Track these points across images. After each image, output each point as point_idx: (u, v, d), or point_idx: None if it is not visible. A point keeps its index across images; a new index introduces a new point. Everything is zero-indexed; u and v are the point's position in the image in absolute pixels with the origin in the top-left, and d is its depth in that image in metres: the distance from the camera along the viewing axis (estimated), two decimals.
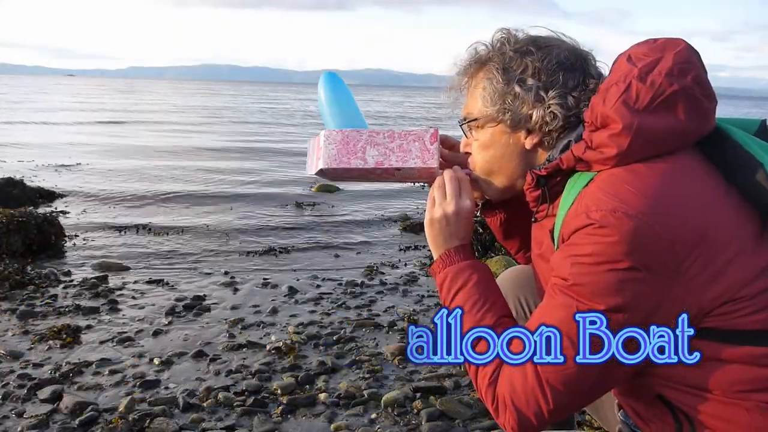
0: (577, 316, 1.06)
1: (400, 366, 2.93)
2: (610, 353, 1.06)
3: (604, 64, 1.28)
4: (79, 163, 10.44)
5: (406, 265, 4.93)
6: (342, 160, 1.46)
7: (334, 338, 3.23)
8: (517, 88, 1.23)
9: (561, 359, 1.08)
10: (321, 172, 1.50)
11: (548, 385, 1.09)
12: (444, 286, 1.32)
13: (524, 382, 1.11)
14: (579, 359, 1.07)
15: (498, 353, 1.17)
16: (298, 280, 4.39)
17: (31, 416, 2.37)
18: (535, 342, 1.11)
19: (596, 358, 1.07)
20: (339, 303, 3.87)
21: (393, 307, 3.83)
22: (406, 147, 1.45)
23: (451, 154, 1.49)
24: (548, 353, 1.09)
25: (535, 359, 1.10)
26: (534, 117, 1.22)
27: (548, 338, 1.09)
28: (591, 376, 1.09)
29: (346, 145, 1.46)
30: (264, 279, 4.37)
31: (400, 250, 5.45)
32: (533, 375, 1.10)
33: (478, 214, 1.56)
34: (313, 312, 3.70)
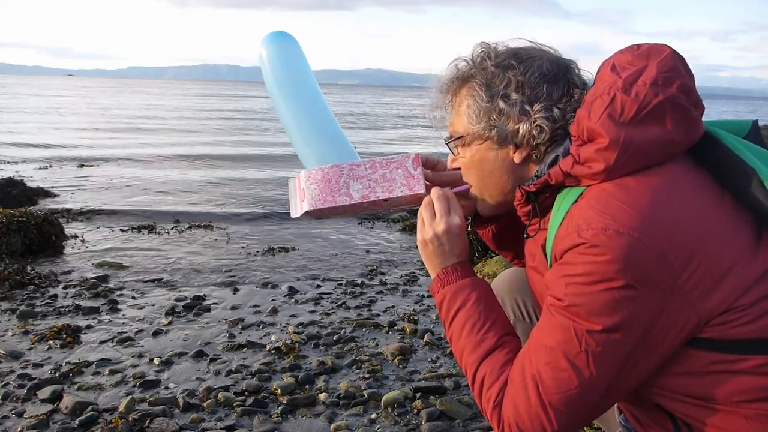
0: (575, 336, 1.05)
1: (400, 366, 2.93)
2: (611, 373, 1.05)
3: (589, 72, 1.26)
4: (80, 164, 10.45)
5: (406, 264, 4.93)
6: (327, 199, 1.42)
7: (334, 338, 3.23)
8: (502, 104, 1.21)
9: (562, 381, 1.07)
10: (307, 214, 1.46)
11: (551, 407, 1.08)
12: (443, 306, 1.30)
13: (528, 405, 1.09)
14: (579, 380, 1.06)
15: (500, 376, 1.16)
16: (298, 280, 4.39)
17: (31, 416, 2.37)
18: (536, 364, 1.10)
19: (597, 378, 1.05)
20: (339, 303, 3.87)
21: (393, 307, 3.82)
22: (390, 176, 1.42)
23: (436, 175, 1.47)
24: (549, 375, 1.08)
25: (537, 381, 1.09)
26: (521, 132, 1.20)
27: (548, 360, 1.08)
28: (593, 396, 1.07)
29: (328, 182, 1.42)
30: (264, 279, 4.37)
31: (400, 250, 5.45)
32: (536, 397, 1.09)
33: (468, 228, 1.55)
34: (313, 312, 3.69)
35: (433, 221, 1.33)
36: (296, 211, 1.50)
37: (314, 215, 1.48)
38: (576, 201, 1.11)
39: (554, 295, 1.09)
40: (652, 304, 1.02)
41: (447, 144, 1.36)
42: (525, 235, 1.31)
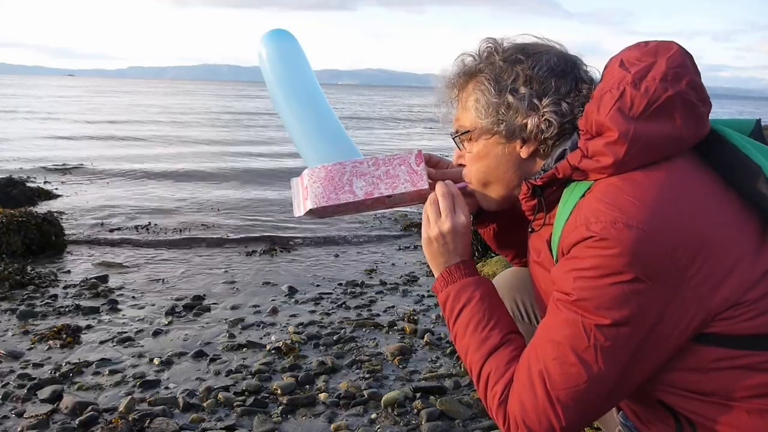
0: (584, 331, 1.05)
1: (400, 366, 2.93)
2: (620, 367, 1.05)
3: (595, 68, 1.26)
4: (80, 164, 10.45)
5: (406, 264, 4.93)
6: (330, 197, 1.42)
7: (334, 338, 3.23)
8: (510, 98, 1.21)
9: (570, 376, 1.06)
10: (311, 213, 1.46)
11: (559, 402, 1.07)
12: (447, 305, 1.30)
13: (534, 402, 1.09)
14: (588, 375, 1.05)
15: (505, 373, 1.16)
16: (298, 280, 4.39)
17: (31, 416, 2.37)
18: (543, 360, 1.09)
19: (606, 373, 1.05)
20: (339, 303, 3.87)
21: (393, 307, 3.82)
22: (393, 172, 1.42)
23: (439, 172, 1.47)
24: (556, 371, 1.07)
25: (545, 377, 1.08)
26: (529, 126, 1.20)
27: (556, 356, 1.07)
28: (601, 391, 1.07)
29: (331, 180, 1.42)
30: (264, 279, 4.37)
31: (400, 250, 5.45)
32: (543, 393, 1.08)
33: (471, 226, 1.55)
34: (313, 312, 3.69)
35: (439, 219, 1.33)
36: (299, 210, 1.50)
37: (318, 214, 1.48)
38: (583, 195, 1.11)
39: (562, 290, 1.08)
40: (661, 297, 1.02)
41: (453, 139, 1.36)
42: (530, 230, 1.31)
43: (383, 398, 2.55)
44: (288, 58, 1.57)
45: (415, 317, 3.59)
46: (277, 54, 1.56)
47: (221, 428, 2.33)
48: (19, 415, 2.39)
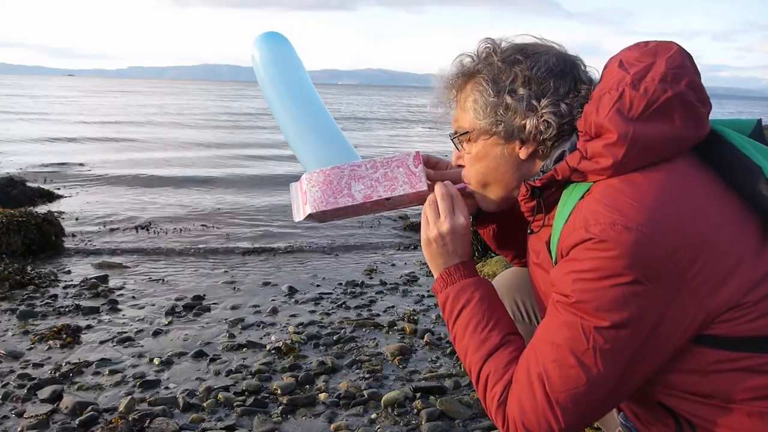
0: (583, 333, 1.04)
1: (400, 366, 2.93)
2: (619, 369, 1.05)
3: (594, 69, 1.25)
4: (80, 164, 10.45)
5: (406, 264, 4.93)
6: (329, 201, 1.41)
7: (334, 338, 3.23)
8: (509, 99, 1.20)
9: (569, 378, 1.06)
10: (310, 217, 1.45)
11: (558, 404, 1.07)
12: (446, 306, 1.30)
13: (534, 404, 1.09)
14: (587, 377, 1.05)
15: (504, 374, 1.16)
16: (298, 280, 4.39)
17: (31, 416, 2.37)
18: (542, 362, 1.09)
19: (605, 375, 1.05)
20: (339, 303, 3.87)
21: (393, 307, 3.82)
22: (391, 175, 1.41)
23: (438, 173, 1.47)
24: (555, 373, 1.07)
25: (544, 379, 1.08)
26: (527, 127, 1.20)
27: (555, 358, 1.07)
28: (601, 393, 1.07)
29: (330, 184, 1.41)
30: (264, 279, 4.37)
31: (400, 250, 5.46)
32: (542, 395, 1.08)
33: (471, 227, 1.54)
34: (313, 312, 3.69)
35: (438, 220, 1.33)
36: (299, 215, 1.49)
37: (317, 218, 1.47)
38: (582, 197, 1.10)
39: (561, 292, 1.08)
40: (661, 299, 1.01)
41: (452, 140, 1.35)
42: (529, 231, 1.30)
43: (383, 398, 2.55)
44: (282, 61, 1.58)
45: (415, 317, 3.59)
46: (270, 57, 1.57)
47: (221, 428, 2.33)
48: (19, 415, 2.39)
